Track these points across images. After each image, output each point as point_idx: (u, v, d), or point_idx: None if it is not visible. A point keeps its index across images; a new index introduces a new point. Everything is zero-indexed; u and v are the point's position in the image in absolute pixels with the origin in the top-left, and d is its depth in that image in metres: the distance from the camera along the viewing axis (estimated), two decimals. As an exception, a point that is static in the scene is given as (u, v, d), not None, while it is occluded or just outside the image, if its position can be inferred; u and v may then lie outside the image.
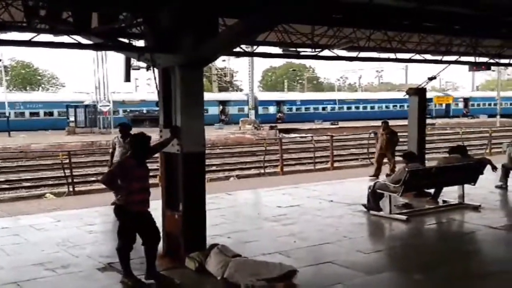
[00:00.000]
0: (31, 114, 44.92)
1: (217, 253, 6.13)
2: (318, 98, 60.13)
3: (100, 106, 40.24)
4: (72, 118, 40.76)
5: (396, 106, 56.78)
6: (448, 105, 60.44)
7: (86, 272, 6.38)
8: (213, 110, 49.93)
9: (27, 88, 73.41)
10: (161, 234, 6.23)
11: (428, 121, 16.38)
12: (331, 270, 6.42)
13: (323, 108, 56.66)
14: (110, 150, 10.30)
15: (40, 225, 8.82)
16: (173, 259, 6.69)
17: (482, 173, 10.16)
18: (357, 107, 57.75)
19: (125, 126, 10.46)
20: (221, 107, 53.10)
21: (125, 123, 11.68)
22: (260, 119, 47.25)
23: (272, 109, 54.68)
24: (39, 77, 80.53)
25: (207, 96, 54.29)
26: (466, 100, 63.91)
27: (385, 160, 14.36)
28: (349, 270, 6.39)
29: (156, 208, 6.62)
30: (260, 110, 52.22)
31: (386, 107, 58.01)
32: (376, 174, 13.72)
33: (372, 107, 57.85)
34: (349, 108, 57.70)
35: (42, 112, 45.42)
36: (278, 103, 55.66)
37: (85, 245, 7.55)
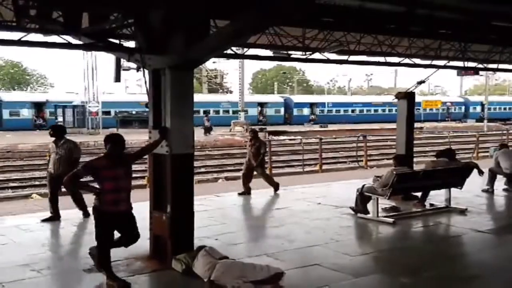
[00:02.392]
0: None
1: (204, 255, 6.11)
2: (348, 101, 63.24)
3: (89, 106, 40.02)
4: (60, 118, 40.55)
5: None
6: (467, 109, 65.90)
7: (71, 273, 6.35)
8: (253, 111, 53.66)
9: (15, 88, 72.83)
10: (140, 236, 6.15)
11: (416, 124, 16.51)
12: (318, 273, 6.43)
13: (352, 111, 59.48)
14: (48, 158, 9.57)
15: (25, 225, 8.74)
16: (160, 260, 6.67)
17: (468, 177, 10.24)
18: (383, 110, 59.45)
19: (56, 128, 9.31)
20: (259, 108, 56.29)
21: (57, 125, 10.16)
22: (294, 120, 53.39)
23: (306, 111, 58.14)
24: (28, 77, 79.96)
25: (249, 98, 57.50)
26: (482, 105, 66.76)
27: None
28: (336, 273, 6.41)
29: (141, 210, 6.60)
30: (295, 111, 56.91)
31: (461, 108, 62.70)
32: (246, 192, 12.00)
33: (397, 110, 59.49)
34: (376, 110, 59.99)
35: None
36: (311, 105, 58.86)
37: (71, 246, 7.51)
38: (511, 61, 15.38)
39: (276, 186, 12.21)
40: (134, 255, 6.95)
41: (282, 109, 57.21)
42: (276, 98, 61.28)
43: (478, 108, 66.57)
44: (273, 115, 56.17)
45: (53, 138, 9.03)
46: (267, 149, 18.48)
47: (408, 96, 12.35)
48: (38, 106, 46.99)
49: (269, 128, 42.94)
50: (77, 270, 6.45)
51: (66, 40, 6.93)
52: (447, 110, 65.08)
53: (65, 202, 9.21)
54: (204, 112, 45.29)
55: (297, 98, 61.87)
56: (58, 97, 48.06)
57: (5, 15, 6.82)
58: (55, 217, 9.03)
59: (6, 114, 44.73)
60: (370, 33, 10.80)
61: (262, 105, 57.06)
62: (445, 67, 14.11)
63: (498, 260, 7.21)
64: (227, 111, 52.95)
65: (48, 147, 9.77)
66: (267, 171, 16.09)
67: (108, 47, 7.37)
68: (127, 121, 43.54)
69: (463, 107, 67.82)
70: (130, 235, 6.01)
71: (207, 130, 38.69)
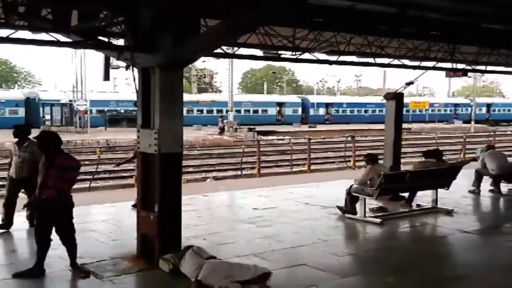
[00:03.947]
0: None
1: (191, 255, 6.09)
2: (362, 101, 64.31)
3: (77, 105, 39.70)
4: (48, 117, 40.18)
5: (440, 110, 62.95)
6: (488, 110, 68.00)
7: (57, 273, 6.28)
8: (272, 111, 56.49)
9: (3, 85, 72.13)
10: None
11: (404, 125, 16.56)
12: (305, 273, 6.44)
13: (365, 111, 60.38)
14: (9, 160, 8.67)
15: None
16: (147, 260, 6.63)
17: (455, 178, 10.31)
18: (420, 110, 59.81)
19: (20, 128, 8.44)
20: (278, 108, 57.43)
21: (22, 124, 8.51)
22: (311, 119, 54.57)
23: (322, 111, 59.41)
24: (16, 75, 79.26)
25: (268, 97, 60.90)
26: (488, 106, 69.74)
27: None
28: (323, 273, 6.43)
29: (128, 209, 6.56)
30: (311, 111, 58.02)
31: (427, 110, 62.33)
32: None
33: (414, 111, 61.27)
34: (413, 111, 59.97)
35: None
36: (327, 105, 60.09)
37: (58, 245, 7.36)
38: (499, 63, 15.54)
39: None
40: (121, 254, 6.93)
41: (300, 109, 58.46)
42: (293, 98, 62.30)
43: (484, 109, 67.87)
44: (291, 114, 57.17)
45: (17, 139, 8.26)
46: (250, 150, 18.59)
47: (396, 97, 12.43)
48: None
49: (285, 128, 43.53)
50: (63, 269, 6.38)
51: (55, 38, 6.88)
52: (454, 111, 67.10)
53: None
54: (218, 111, 47.13)
55: (314, 98, 63.10)
56: (46, 95, 47.68)
57: (-7, 12, 6.76)
58: (5, 225, 8.19)
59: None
60: (361, 34, 10.84)
61: (280, 105, 58.16)
62: (434, 68, 14.20)
63: (484, 261, 7.28)
64: (248, 110, 54.39)
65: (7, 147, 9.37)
66: (256, 171, 16.10)
67: (97, 45, 7.33)
68: (115, 120, 43.38)
69: (469, 108, 68.57)
70: (59, 226, 6.38)
71: (222, 130, 39.08)
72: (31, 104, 44.28)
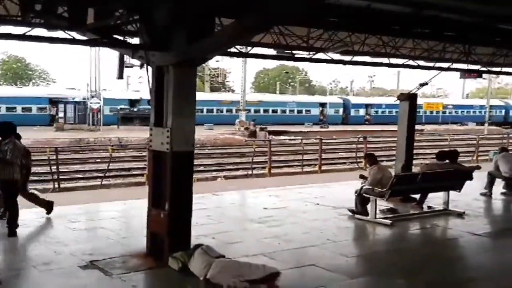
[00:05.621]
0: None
1: (201, 254, 6.12)
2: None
3: (90, 103, 39.95)
4: (61, 114, 40.45)
5: (475, 111, 63.82)
6: (507, 112, 68.59)
7: (67, 269, 6.33)
8: (315, 111, 58.03)
9: (18, 83, 72.85)
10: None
11: (417, 127, 16.42)
12: (314, 273, 6.44)
13: None
14: None
15: (23, 221, 8.68)
16: (156, 258, 6.66)
17: (471, 179, 10.21)
18: (431, 112, 60.02)
19: (2, 126, 8.07)
20: (321, 108, 58.92)
21: (5, 122, 8.26)
22: (351, 120, 56.13)
23: (361, 111, 60.77)
24: (30, 72, 79.95)
25: (311, 98, 62.33)
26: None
27: None
28: (332, 274, 6.42)
29: (139, 207, 6.59)
30: (352, 112, 59.52)
31: (463, 112, 64.48)
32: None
33: (450, 112, 63.23)
34: (424, 112, 60.21)
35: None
36: (367, 106, 61.13)
37: (68, 242, 7.50)
38: (515, 65, 15.35)
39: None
40: (131, 252, 6.97)
41: (341, 110, 59.62)
42: (335, 99, 63.20)
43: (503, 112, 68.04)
44: (332, 115, 58.33)
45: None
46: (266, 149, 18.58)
47: (410, 98, 12.35)
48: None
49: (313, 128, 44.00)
50: (73, 266, 6.43)
51: (71, 36, 6.92)
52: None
53: (65, 198, 9.20)
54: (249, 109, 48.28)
55: (354, 99, 64.39)
56: (60, 92, 47.98)
57: (10, 10, 6.81)
58: None
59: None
60: (375, 33, 10.78)
61: (322, 105, 59.29)
62: (448, 69, 14.06)
63: (494, 264, 7.24)
64: (293, 111, 55.90)
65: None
66: (266, 171, 16.03)
67: (112, 43, 7.37)
68: (128, 118, 43.58)
69: (503, 111, 68.57)
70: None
71: (253, 134, 39.06)
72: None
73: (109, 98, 45.00)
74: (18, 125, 8.34)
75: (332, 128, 47.28)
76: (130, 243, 7.45)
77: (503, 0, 8.30)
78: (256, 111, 52.23)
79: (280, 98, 61.78)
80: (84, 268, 6.37)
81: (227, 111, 51.46)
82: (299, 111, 56.68)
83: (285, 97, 62.33)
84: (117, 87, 49.84)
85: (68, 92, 46.43)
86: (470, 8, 8.89)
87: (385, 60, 12.72)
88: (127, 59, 9.00)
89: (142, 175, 16.22)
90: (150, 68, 6.85)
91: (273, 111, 53.96)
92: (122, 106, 45.30)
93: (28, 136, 29.83)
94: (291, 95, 68.82)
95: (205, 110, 47.70)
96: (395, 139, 13.06)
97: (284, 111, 55.53)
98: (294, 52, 11.11)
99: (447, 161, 10.60)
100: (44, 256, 6.82)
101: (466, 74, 17.00)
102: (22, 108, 43.58)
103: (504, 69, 16.02)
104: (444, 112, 61.79)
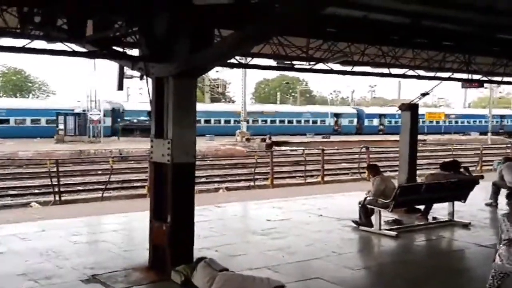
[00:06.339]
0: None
1: (204, 267, 6.01)
2: None
3: (90, 114, 39.90)
4: (61, 126, 40.38)
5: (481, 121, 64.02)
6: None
7: (69, 283, 6.24)
8: (330, 121, 58.81)
9: (17, 95, 72.98)
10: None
11: (419, 137, 16.35)
12: (319, 286, 6.33)
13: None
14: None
15: (24, 234, 8.65)
16: (159, 271, 6.57)
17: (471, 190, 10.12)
18: (434, 122, 60.32)
19: None
20: (335, 118, 59.69)
21: None
22: (365, 130, 56.64)
23: (375, 121, 61.50)
24: (30, 84, 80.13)
25: (325, 108, 63.05)
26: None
27: None
28: (337, 286, 6.31)
29: (141, 219, 6.51)
30: (366, 122, 60.19)
31: (467, 121, 64.71)
32: None
33: (456, 122, 63.71)
34: (437, 122, 60.84)
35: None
36: (380, 116, 61.59)
37: (70, 255, 7.41)
38: (515, 74, 15.33)
39: None
40: (133, 265, 6.87)
41: (355, 120, 60.15)
42: (349, 109, 63.99)
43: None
44: (346, 125, 58.98)
45: None
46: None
47: (411, 108, 12.29)
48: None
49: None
50: (75, 280, 6.34)
51: (70, 48, 6.90)
52: (500, 122, 67.20)
53: (66, 210, 9.15)
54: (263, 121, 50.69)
55: (368, 109, 64.45)
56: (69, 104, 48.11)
57: (9, 22, 6.78)
58: None
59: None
60: (375, 44, 10.77)
61: (337, 115, 59.94)
62: (449, 79, 14.05)
63: (502, 276, 7.09)
64: (308, 121, 56.66)
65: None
66: (269, 182, 15.87)
67: (112, 55, 7.33)
68: (128, 130, 43.60)
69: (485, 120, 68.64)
70: None
71: (270, 146, 38.79)
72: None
73: (130, 110, 46.62)
74: (28, 137, 8.30)
75: (345, 138, 47.38)
76: (132, 256, 7.36)
77: (500, 10, 8.29)
78: (272, 121, 53.98)
79: (296, 108, 62.58)
80: (86, 282, 6.27)
81: (235, 121, 51.86)
82: (314, 122, 57.40)
83: (300, 108, 63.00)
84: (119, 98, 50.00)
85: (77, 104, 46.54)
86: (468, 18, 8.88)
87: (385, 70, 12.70)
88: (127, 70, 8.97)
89: (143, 187, 16.14)
90: (150, 80, 6.81)
91: (289, 121, 55.06)
92: (142, 118, 45.62)
93: (29, 148, 29.98)
94: (305, 106, 69.95)
95: (212, 121, 49.43)
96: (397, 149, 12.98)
97: (299, 122, 56.42)
98: (294, 62, 11.09)
99: (452, 172, 10.51)
100: (45, 270, 6.72)
101: (467, 83, 16.98)
102: (32, 120, 43.97)
103: (505, 79, 16.01)
104: (448, 122, 61.75)
